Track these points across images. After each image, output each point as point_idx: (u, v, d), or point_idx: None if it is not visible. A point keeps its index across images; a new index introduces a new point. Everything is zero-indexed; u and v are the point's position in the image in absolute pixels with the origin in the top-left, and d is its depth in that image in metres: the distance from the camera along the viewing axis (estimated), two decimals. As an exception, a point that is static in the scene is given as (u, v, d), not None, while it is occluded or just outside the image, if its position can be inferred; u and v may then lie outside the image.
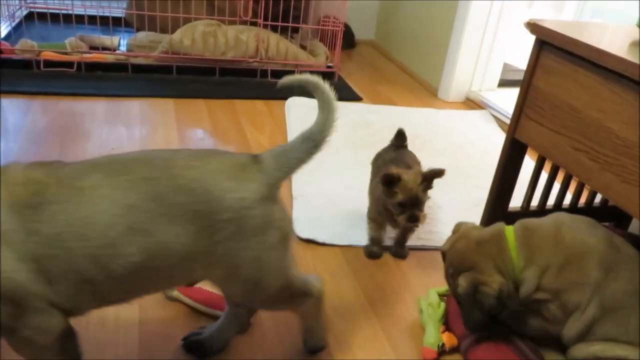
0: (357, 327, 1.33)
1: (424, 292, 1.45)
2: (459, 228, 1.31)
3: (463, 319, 1.24)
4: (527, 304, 1.20)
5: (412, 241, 1.66)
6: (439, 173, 1.48)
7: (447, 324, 1.32)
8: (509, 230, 1.23)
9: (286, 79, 1.02)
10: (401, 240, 1.63)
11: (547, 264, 1.17)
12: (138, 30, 3.06)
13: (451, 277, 1.25)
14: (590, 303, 1.13)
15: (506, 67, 3.02)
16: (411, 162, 1.65)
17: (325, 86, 1.01)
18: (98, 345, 1.18)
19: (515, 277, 1.19)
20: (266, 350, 1.23)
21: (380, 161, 1.72)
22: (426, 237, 1.71)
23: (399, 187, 1.46)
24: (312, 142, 0.99)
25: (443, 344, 1.25)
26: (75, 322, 1.25)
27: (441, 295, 1.38)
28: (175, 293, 1.33)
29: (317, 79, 1.01)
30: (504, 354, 1.19)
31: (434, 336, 1.26)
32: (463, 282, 1.19)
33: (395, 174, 1.46)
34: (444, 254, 1.29)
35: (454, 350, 1.28)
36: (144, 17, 2.96)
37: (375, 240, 1.62)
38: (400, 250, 1.63)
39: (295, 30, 3.09)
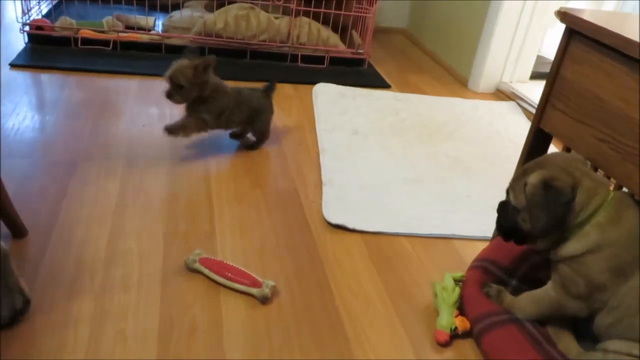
0: (370, 307, 1.35)
1: (439, 277, 1.47)
2: None
3: (531, 225, 1.15)
4: (562, 261, 1.16)
5: (438, 230, 1.68)
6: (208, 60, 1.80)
7: (460, 308, 1.33)
8: (618, 193, 1.16)
9: None
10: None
11: (608, 243, 1.10)
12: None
13: (514, 182, 1.20)
14: (627, 293, 1.10)
15: (540, 60, 2.97)
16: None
17: None
18: (121, 308, 1.24)
19: (582, 219, 1.11)
20: (282, 323, 1.27)
21: None
22: (453, 225, 1.71)
23: None
24: None
25: (456, 327, 1.27)
26: (100, 287, 1.31)
27: (456, 281, 1.39)
28: (197, 265, 1.37)
29: None
30: (516, 339, 1.19)
31: (447, 319, 1.28)
32: (534, 179, 1.12)
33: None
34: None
35: (467, 334, 1.29)
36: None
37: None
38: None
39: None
